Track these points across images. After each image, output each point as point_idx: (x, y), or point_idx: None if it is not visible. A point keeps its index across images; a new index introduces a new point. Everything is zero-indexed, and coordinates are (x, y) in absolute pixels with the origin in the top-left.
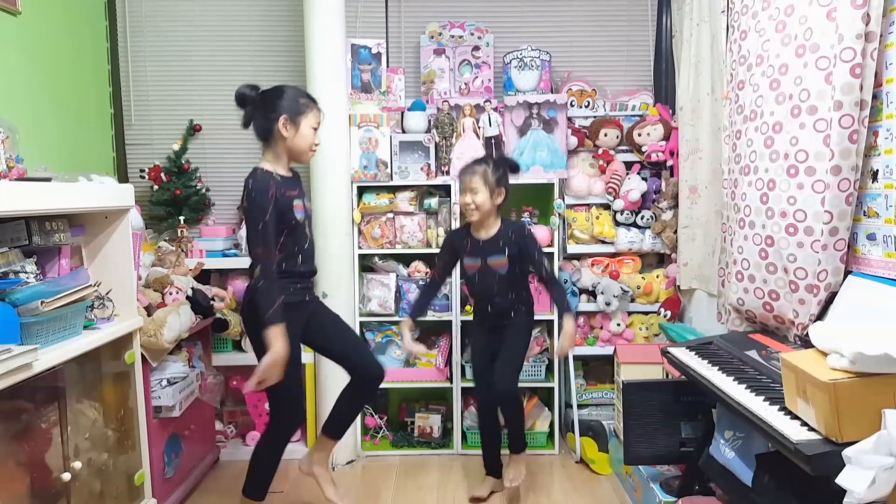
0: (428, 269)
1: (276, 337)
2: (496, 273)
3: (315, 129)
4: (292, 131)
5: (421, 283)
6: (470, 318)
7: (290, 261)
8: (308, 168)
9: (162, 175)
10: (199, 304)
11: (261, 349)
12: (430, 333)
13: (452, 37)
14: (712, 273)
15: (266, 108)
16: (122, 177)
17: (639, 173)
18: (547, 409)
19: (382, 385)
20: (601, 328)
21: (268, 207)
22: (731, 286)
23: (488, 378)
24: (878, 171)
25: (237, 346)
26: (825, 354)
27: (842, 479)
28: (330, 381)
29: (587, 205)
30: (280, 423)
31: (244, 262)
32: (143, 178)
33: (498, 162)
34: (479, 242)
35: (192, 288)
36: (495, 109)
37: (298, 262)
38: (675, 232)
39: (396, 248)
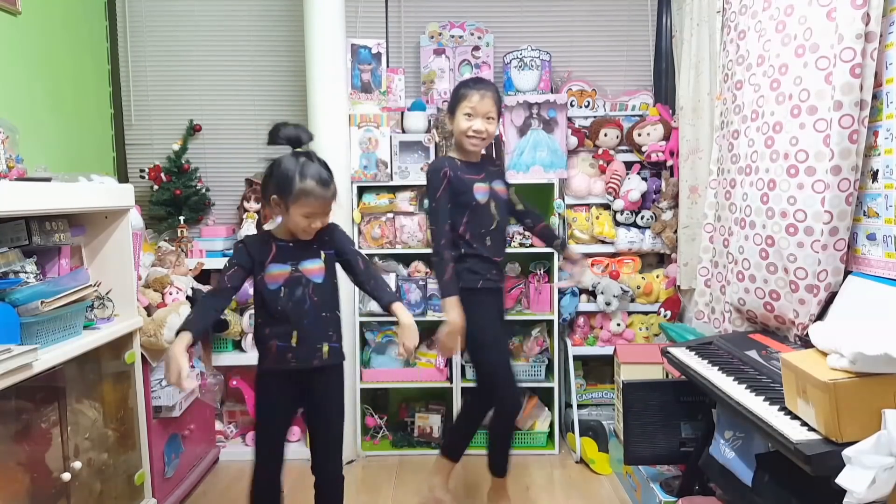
0: (428, 269)
1: (451, 307)
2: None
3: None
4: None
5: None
6: None
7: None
8: None
9: (162, 175)
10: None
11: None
12: (431, 333)
13: (452, 37)
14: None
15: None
16: (122, 177)
17: (639, 173)
18: (547, 409)
19: (382, 385)
20: (601, 328)
21: (439, 187)
22: (732, 286)
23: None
24: (878, 171)
25: (237, 346)
26: (825, 354)
27: (842, 479)
28: None
29: (587, 205)
30: (494, 395)
31: None
32: (143, 178)
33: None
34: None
35: (192, 288)
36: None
37: (486, 245)
38: (675, 232)
39: (396, 248)
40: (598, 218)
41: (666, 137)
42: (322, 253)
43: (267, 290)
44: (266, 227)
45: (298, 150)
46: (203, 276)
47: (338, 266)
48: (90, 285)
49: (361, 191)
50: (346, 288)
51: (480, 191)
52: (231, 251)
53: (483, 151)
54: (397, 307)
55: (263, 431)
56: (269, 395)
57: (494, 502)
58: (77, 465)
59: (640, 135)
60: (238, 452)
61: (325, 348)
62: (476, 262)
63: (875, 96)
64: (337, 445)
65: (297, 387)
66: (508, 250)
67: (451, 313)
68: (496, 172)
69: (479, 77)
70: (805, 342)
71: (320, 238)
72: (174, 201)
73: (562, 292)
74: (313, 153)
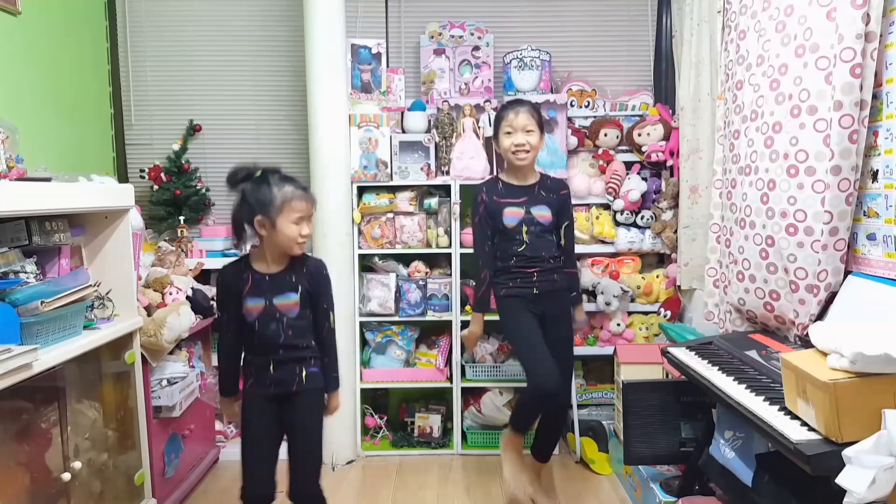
0: (428, 270)
1: (472, 320)
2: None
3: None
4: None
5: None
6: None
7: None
8: (308, 168)
9: (162, 175)
10: (199, 304)
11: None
12: (431, 333)
13: (452, 37)
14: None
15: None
16: (122, 177)
17: (639, 173)
18: None
19: (382, 385)
20: (601, 328)
21: (476, 212)
22: (732, 286)
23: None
24: (878, 171)
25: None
26: (825, 354)
27: (842, 479)
28: None
29: (587, 205)
30: (528, 380)
31: None
32: (143, 178)
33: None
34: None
35: (192, 288)
36: (495, 109)
37: (512, 262)
38: (675, 232)
39: (396, 248)
40: (598, 218)
41: (666, 137)
42: (299, 287)
43: (245, 321)
44: (243, 252)
45: (258, 176)
46: (203, 276)
47: None
48: (90, 285)
49: (361, 191)
50: (347, 288)
51: (510, 215)
52: (231, 251)
53: (541, 172)
54: (333, 396)
55: (248, 451)
56: (252, 415)
57: (536, 484)
58: (77, 465)
59: (640, 135)
60: (238, 452)
61: (304, 374)
62: (504, 276)
63: (875, 96)
64: (314, 468)
65: (280, 407)
66: None
67: (471, 325)
68: (544, 198)
69: (514, 99)
70: (805, 342)
71: (300, 270)
72: (174, 201)
73: None
74: (274, 169)
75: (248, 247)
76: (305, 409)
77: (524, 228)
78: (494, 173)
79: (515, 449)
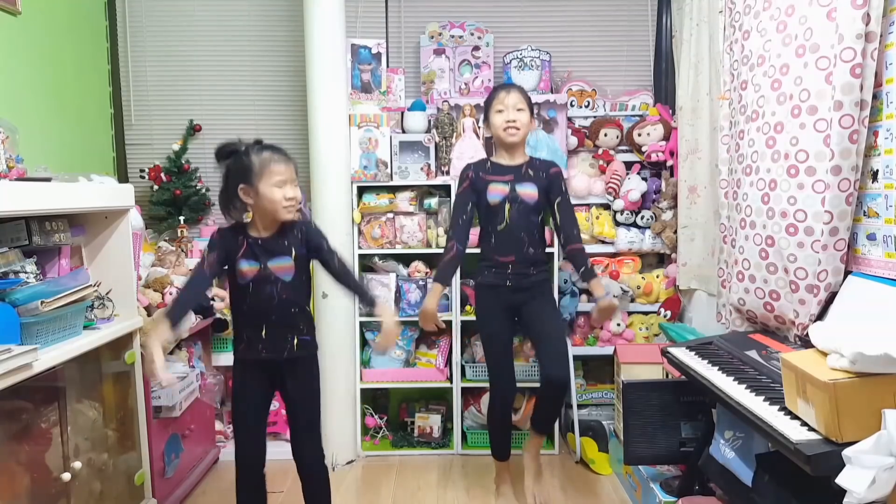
0: (428, 270)
1: (429, 292)
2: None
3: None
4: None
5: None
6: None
7: (485, 242)
8: (308, 168)
9: (162, 175)
10: (199, 304)
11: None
12: (431, 333)
13: (452, 37)
14: (712, 273)
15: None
16: (122, 177)
17: (639, 173)
18: None
19: (382, 385)
20: (601, 328)
21: (460, 186)
22: (732, 286)
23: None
24: (878, 171)
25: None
26: (825, 354)
27: (842, 479)
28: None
29: (587, 205)
30: (490, 389)
31: None
32: (143, 178)
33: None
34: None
35: None
36: None
37: (491, 244)
38: (675, 232)
39: (396, 248)
40: (598, 218)
41: (666, 137)
42: (293, 251)
43: (237, 285)
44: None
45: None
46: None
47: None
48: (90, 285)
49: (361, 191)
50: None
51: (494, 192)
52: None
53: (529, 154)
54: (382, 309)
55: (239, 414)
56: (244, 379)
57: (527, 451)
58: (77, 465)
59: (640, 135)
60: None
61: (295, 341)
62: (484, 261)
63: (875, 96)
64: (312, 428)
65: (271, 374)
66: None
67: (427, 297)
68: (532, 177)
69: (505, 82)
70: (805, 342)
71: (292, 234)
72: (174, 201)
73: (562, 292)
74: (256, 141)
75: (232, 223)
76: (299, 376)
77: (507, 206)
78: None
79: (503, 481)
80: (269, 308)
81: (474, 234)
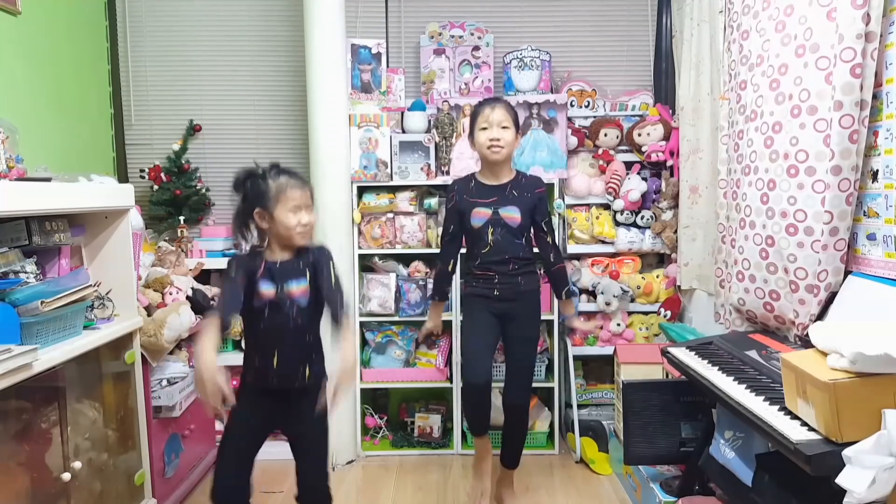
0: (428, 269)
1: (430, 311)
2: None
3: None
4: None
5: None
6: None
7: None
8: (308, 168)
9: (162, 175)
10: (199, 304)
11: None
12: (431, 333)
13: (452, 37)
14: (712, 273)
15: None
16: (122, 177)
17: (639, 173)
18: (547, 409)
19: (382, 385)
20: (601, 328)
21: (447, 208)
22: (732, 286)
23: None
24: (878, 171)
25: (237, 346)
26: (825, 354)
27: (842, 479)
28: None
29: (587, 205)
30: (462, 376)
31: None
32: (143, 178)
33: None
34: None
35: (192, 288)
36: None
37: (476, 263)
38: (675, 232)
39: (396, 248)
40: (598, 218)
41: (666, 137)
42: (308, 273)
43: (253, 309)
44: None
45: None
46: (203, 276)
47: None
48: (90, 285)
49: (361, 191)
50: (346, 288)
51: (478, 216)
52: (230, 251)
53: (515, 171)
54: (345, 343)
55: (228, 444)
56: (245, 409)
57: (500, 489)
58: (77, 465)
59: (640, 135)
60: None
61: (307, 371)
62: (468, 275)
63: (875, 96)
64: (325, 465)
65: (277, 405)
66: None
67: (429, 315)
68: (516, 198)
69: (489, 97)
70: (805, 342)
71: (306, 258)
72: (174, 201)
73: None
74: (273, 165)
75: (249, 248)
76: (306, 410)
77: (490, 230)
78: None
79: (479, 456)
80: (284, 333)
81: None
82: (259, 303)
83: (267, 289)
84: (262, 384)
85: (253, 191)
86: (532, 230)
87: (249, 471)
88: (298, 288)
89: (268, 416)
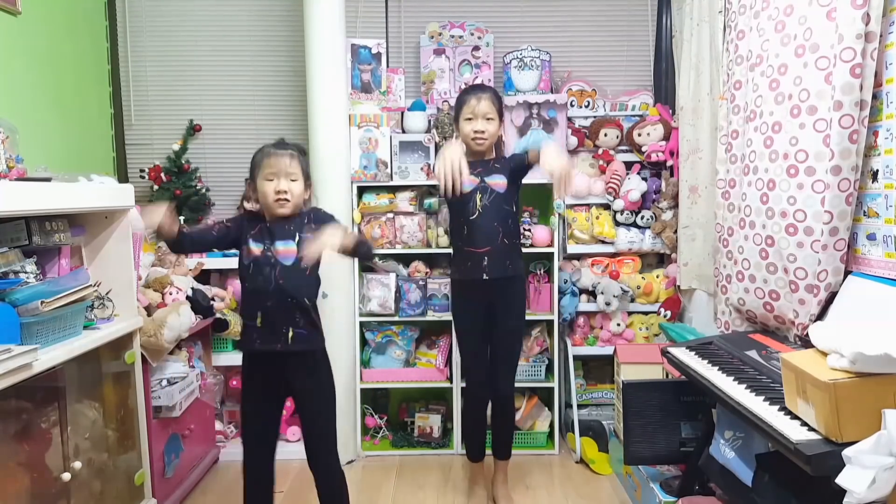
0: (428, 269)
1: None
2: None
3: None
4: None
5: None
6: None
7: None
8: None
9: (162, 175)
10: (199, 304)
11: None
12: (431, 333)
13: (452, 37)
14: (712, 273)
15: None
16: (122, 177)
17: (639, 173)
18: (547, 409)
19: (382, 385)
20: (601, 328)
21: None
22: (732, 286)
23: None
24: (878, 171)
25: (237, 346)
26: (825, 354)
27: (842, 479)
28: None
29: (587, 205)
30: (465, 388)
31: None
32: (143, 178)
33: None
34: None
35: (192, 288)
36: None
37: (464, 235)
38: (675, 232)
39: (396, 248)
40: (598, 218)
41: (666, 137)
42: (297, 235)
43: (242, 264)
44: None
45: None
46: (203, 276)
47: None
48: (90, 285)
49: (361, 191)
50: (347, 288)
51: (465, 182)
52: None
53: (494, 154)
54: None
55: (246, 422)
56: (249, 385)
57: (495, 486)
58: (77, 465)
59: (640, 135)
60: (238, 452)
61: (290, 333)
62: (457, 256)
63: (875, 96)
64: (327, 438)
65: (274, 371)
66: None
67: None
68: (499, 168)
69: (475, 84)
70: (805, 342)
71: (299, 220)
72: (174, 201)
73: (562, 292)
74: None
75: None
76: (301, 378)
77: (477, 195)
78: None
79: (472, 480)
80: (266, 293)
81: None
82: (247, 259)
83: (255, 247)
84: (249, 346)
85: (250, 166)
86: (515, 200)
87: (273, 445)
88: (285, 248)
89: (271, 387)
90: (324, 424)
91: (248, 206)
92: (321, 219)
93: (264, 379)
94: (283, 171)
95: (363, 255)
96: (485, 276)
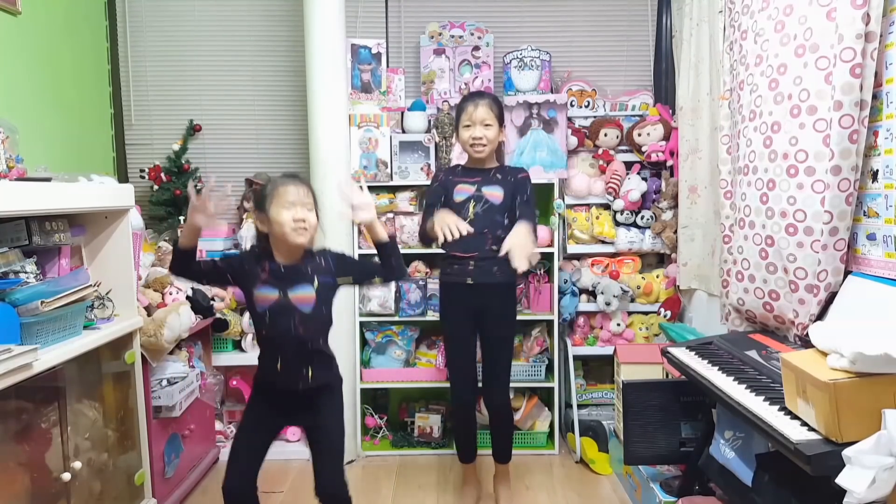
0: (428, 270)
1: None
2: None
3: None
4: (268, 224)
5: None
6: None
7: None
8: (308, 168)
9: (162, 175)
10: (199, 304)
11: None
12: (431, 333)
13: (452, 37)
14: (712, 273)
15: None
16: (122, 177)
17: (639, 173)
18: (547, 409)
19: (382, 385)
20: (601, 328)
21: (431, 185)
22: (731, 286)
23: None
24: (878, 171)
25: (237, 346)
26: (825, 354)
27: (842, 479)
28: None
29: (587, 205)
30: (451, 393)
31: None
32: (143, 178)
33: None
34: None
35: (192, 288)
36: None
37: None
38: (675, 232)
39: None
40: (598, 218)
41: (666, 137)
42: (316, 280)
43: (255, 312)
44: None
45: None
46: None
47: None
48: (90, 285)
49: None
50: (347, 288)
51: (460, 191)
52: (231, 251)
53: (497, 162)
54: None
55: (238, 443)
56: (256, 408)
57: (497, 487)
58: (77, 465)
59: (640, 135)
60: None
61: (310, 373)
62: (445, 259)
63: (875, 96)
64: (340, 471)
65: (289, 400)
66: None
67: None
68: (499, 180)
69: (474, 91)
70: (805, 342)
71: (315, 262)
72: (174, 201)
73: (562, 292)
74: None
75: (250, 247)
76: (318, 408)
77: (471, 203)
78: None
79: (465, 481)
80: (286, 342)
81: None
82: (261, 308)
83: (268, 293)
84: (268, 386)
85: (257, 199)
86: (512, 212)
87: (259, 464)
88: (303, 294)
89: (280, 412)
90: (337, 458)
91: (260, 226)
92: (335, 259)
93: (276, 406)
94: (300, 200)
95: (390, 256)
96: (469, 281)
